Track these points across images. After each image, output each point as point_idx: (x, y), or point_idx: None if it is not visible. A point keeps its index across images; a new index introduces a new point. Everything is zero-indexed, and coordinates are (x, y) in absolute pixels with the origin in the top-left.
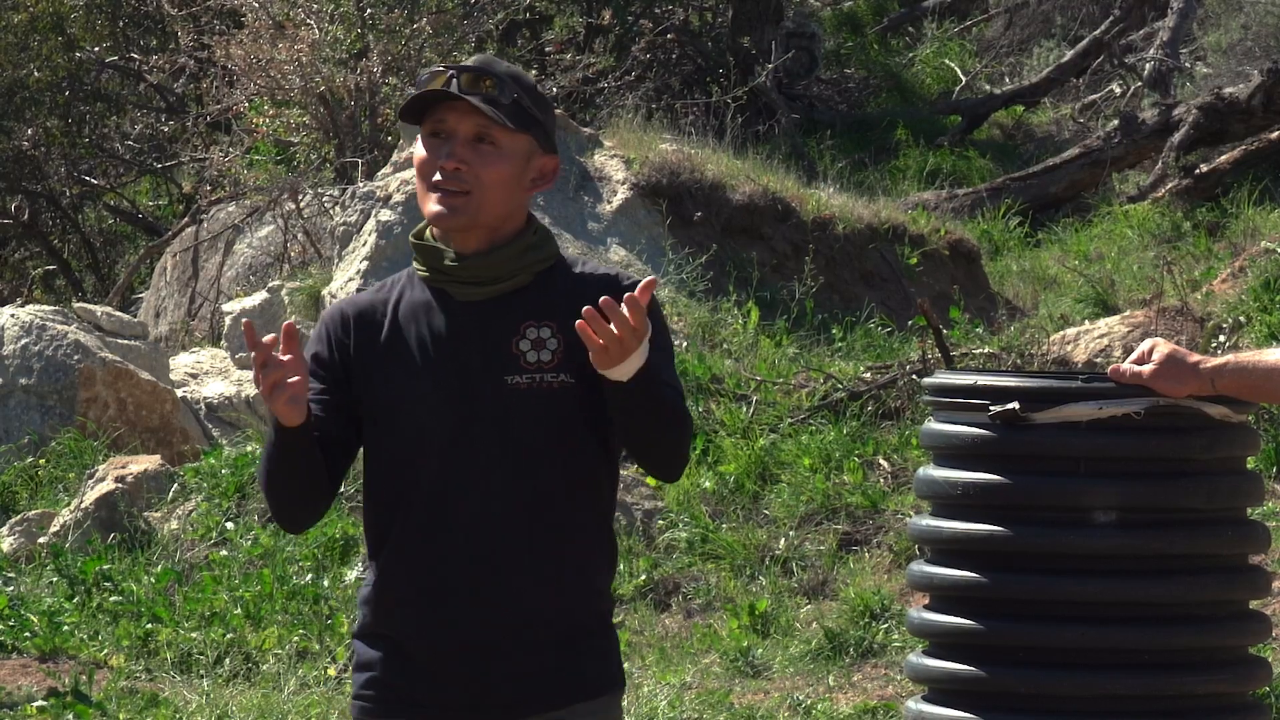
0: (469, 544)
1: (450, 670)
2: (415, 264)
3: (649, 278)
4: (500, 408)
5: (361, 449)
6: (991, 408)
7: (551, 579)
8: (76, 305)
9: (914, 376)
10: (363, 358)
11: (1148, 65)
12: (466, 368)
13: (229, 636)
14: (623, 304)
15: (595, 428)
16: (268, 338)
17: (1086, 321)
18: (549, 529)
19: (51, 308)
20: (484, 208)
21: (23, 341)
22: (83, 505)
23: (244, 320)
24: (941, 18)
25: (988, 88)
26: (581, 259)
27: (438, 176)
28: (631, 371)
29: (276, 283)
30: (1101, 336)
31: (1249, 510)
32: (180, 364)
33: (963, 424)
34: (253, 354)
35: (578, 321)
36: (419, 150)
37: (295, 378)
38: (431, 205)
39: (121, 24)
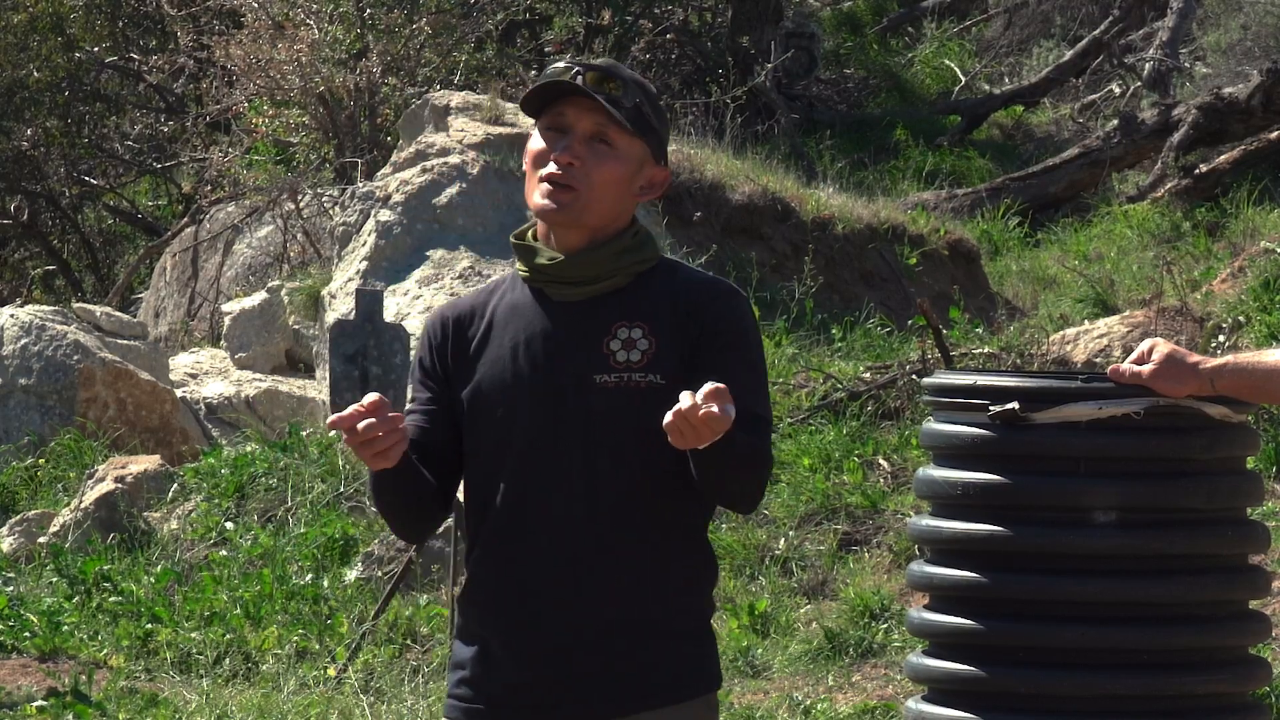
0: (551, 544)
1: (533, 671)
2: (517, 264)
3: (719, 386)
4: (587, 407)
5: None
6: (991, 408)
7: (633, 581)
8: (76, 305)
9: (914, 376)
10: (459, 360)
11: (1147, 65)
12: (557, 367)
13: (229, 636)
14: (708, 402)
15: None
16: (358, 407)
17: (1086, 321)
18: (632, 531)
19: (51, 308)
20: (590, 207)
21: (22, 341)
22: (82, 505)
23: (329, 420)
24: (941, 18)
25: (987, 88)
26: (682, 265)
27: (549, 169)
28: (706, 443)
29: (276, 283)
30: (1101, 336)
31: (1249, 510)
32: (180, 364)
33: (962, 424)
34: (346, 430)
35: (666, 418)
36: (534, 141)
37: (390, 441)
38: (538, 198)
39: (121, 24)
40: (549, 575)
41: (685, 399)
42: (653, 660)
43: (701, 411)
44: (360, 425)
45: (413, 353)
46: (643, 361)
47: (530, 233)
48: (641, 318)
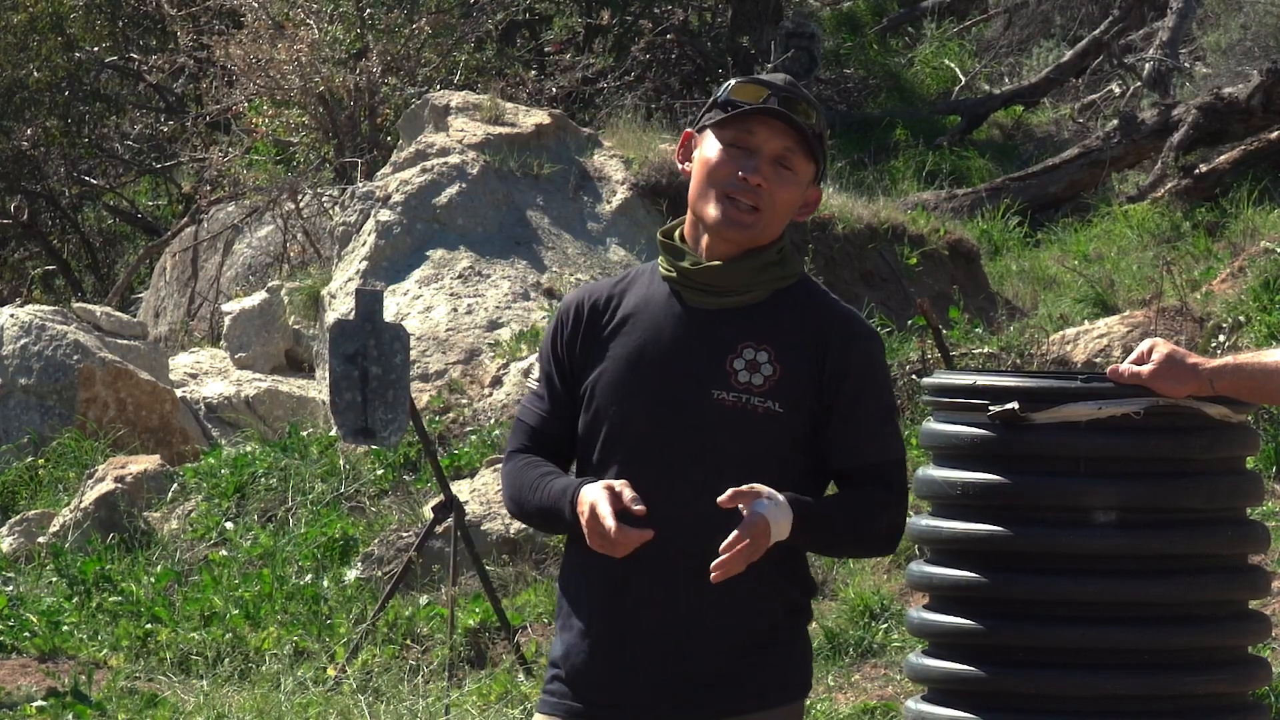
0: (652, 547)
1: (627, 672)
2: (660, 261)
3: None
4: (701, 420)
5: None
6: (991, 408)
7: (730, 594)
8: (76, 305)
9: (914, 376)
10: (585, 344)
11: (1147, 65)
12: (676, 373)
13: (228, 636)
14: (734, 545)
15: (796, 459)
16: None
17: (1086, 321)
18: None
19: (51, 308)
20: (768, 228)
21: (22, 341)
22: (82, 505)
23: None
24: (941, 18)
25: (987, 88)
26: (819, 289)
27: (734, 186)
28: (784, 535)
29: (276, 283)
30: (1101, 336)
31: (1249, 510)
32: (180, 364)
33: (962, 424)
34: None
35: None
36: (713, 152)
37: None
38: (718, 213)
39: (121, 24)
40: (647, 577)
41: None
42: (737, 670)
43: (731, 553)
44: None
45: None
46: (764, 387)
47: (678, 232)
48: (770, 341)
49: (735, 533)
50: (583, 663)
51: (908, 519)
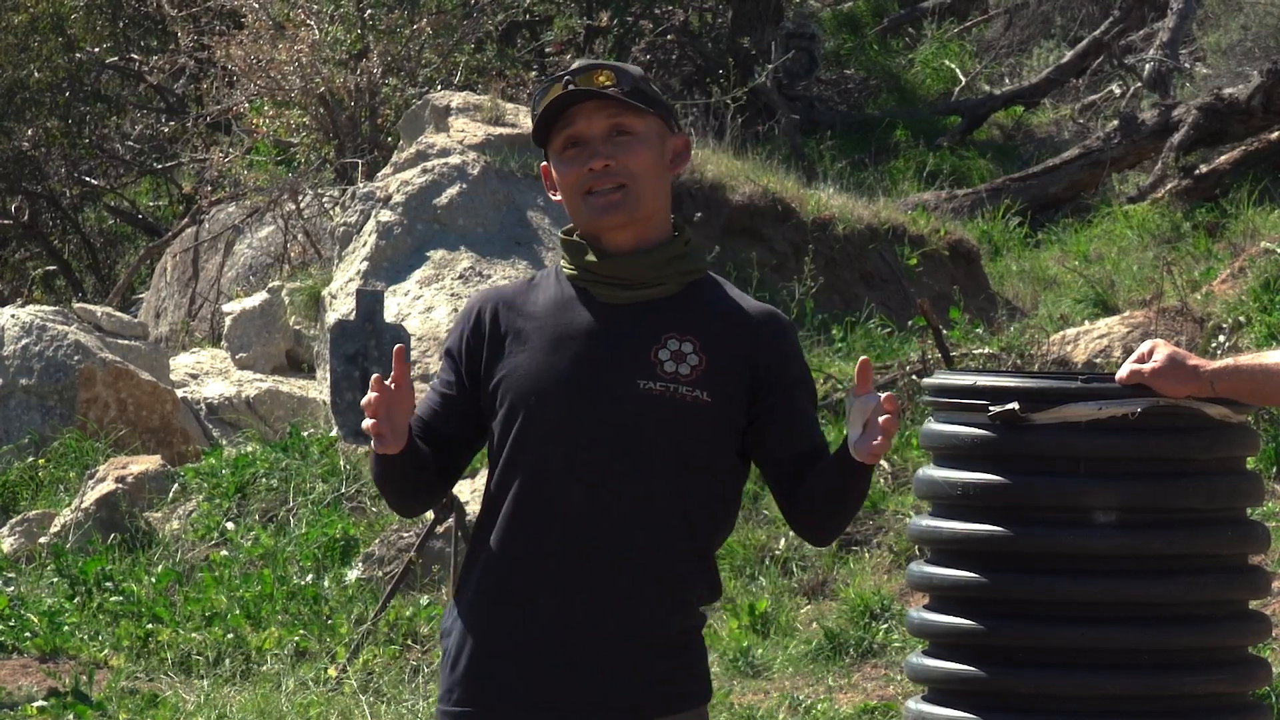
0: (565, 546)
1: (529, 672)
2: (562, 261)
3: (886, 396)
4: (626, 411)
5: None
6: (991, 408)
7: (641, 595)
8: (76, 306)
9: (914, 377)
10: (496, 346)
11: (1147, 66)
12: (599, 367)
13: (229, 637)
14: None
15: (723, 449)
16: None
17: (1086, 322)
18: (650, 544)
19: (52, 308)
20: (642, 197)
21: (23, 342)
22: (83, 505)
23: (398, 347)
24: (941, 18)
25: (987, 88)
26: (725, 282)
27: (588, 180)
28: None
29: (276, 283)
30: (1101, 337)
31: (1249, 510)
32: (180, 364)
33: (963, 424)
34: (373, 388)
35: (883, 418)
36: (560, 169)
37: (389, 436)
38: (591, 212)
39: (121, 24)
40: (563, 580)
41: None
42: (648, 675)
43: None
44: (367, 421)
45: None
46: (691, 376)
47: (578, 233)
48: (693, 332)
49: (887, 404)
50: (487, 666)
51: (908, 519)
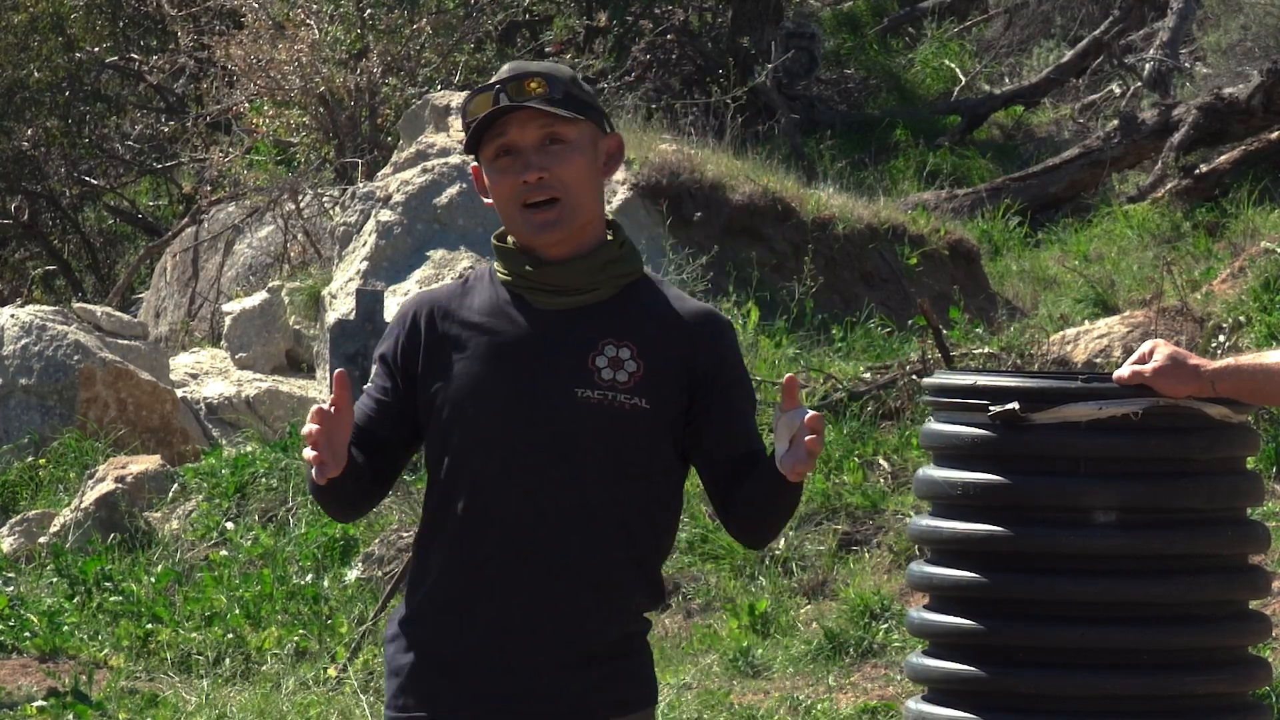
0: (506, 555)
1: (472, 679)
2: (497, 267)
3: (790, 377)
4: (565, 419)
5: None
6: (991, 408)
7: (584, 602)
8: (76, 305)
9: (914, 377)
10: (432, 352)
11: (1147, 65)
12: (536, 374)
13: (229, 636)
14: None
15: (661, 460)
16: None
17: (1086, 322)
18: (587, 548)
19: (51, 308)
20: (578, 208)
21: (23, 342)
22: (83, 505)
23: (337, 371)
24: (941, 18)
25: (987, 88)
26: (663, 281)
27: (523, 193)
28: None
29: (276, 283)
30: (1101, 337)
31: (1249, 510)
32: (180, 364)
33: (963, 424)
34: (313, 420)
35: (809, 437)
36: (492, 176)
37: (336, 440)
38: (529, 228)
39: (121, 24)
40: (501, 587)
41: (797, 425)
42: (585, 682)
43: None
44: (306, 450)
45: None
46: (629, 384)
47: (511, 237)
48: (630, 337)
49: (813, 423)
50: (431, 673)
51: (908, 519)
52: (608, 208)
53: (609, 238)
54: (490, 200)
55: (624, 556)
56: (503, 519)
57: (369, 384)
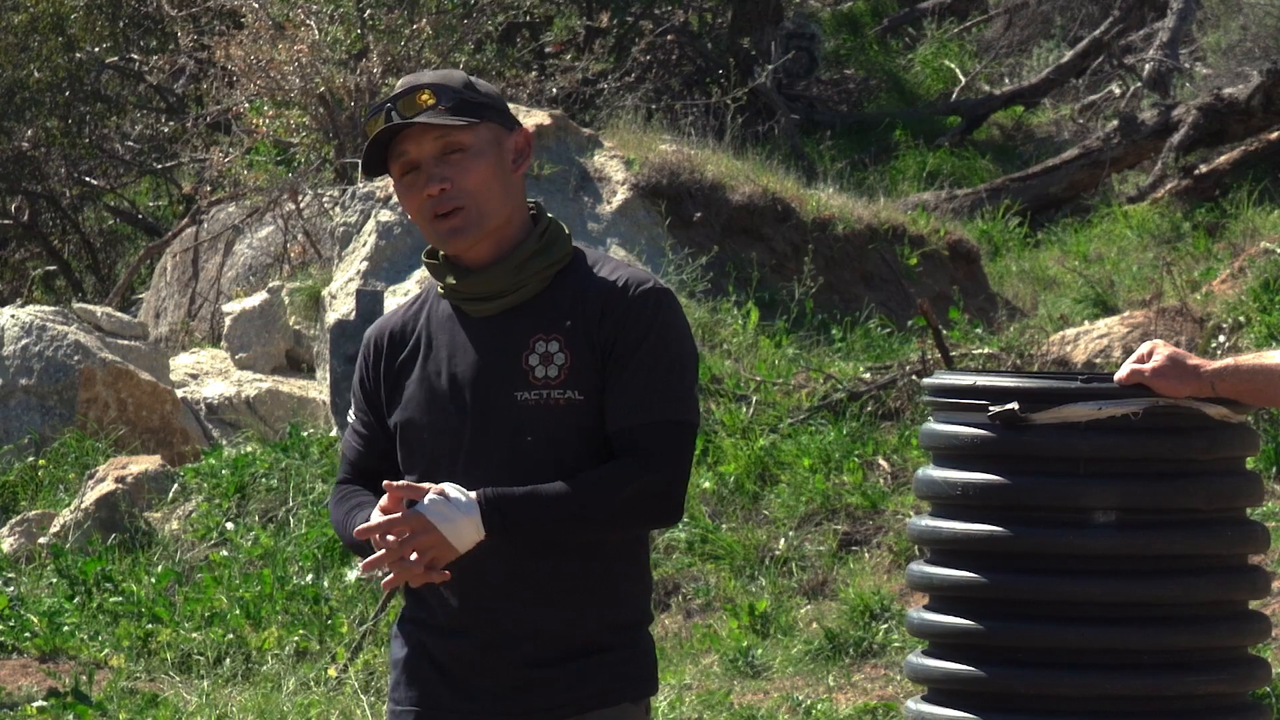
0: (478, 563)
1: (464, 681)
2: (434, 281)
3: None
4: (511, 424)
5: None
6: (991, 408)
7: (556, 594)
8: (76, 306)
9: (914, 377)
10: (390, 379)
11: (1147, 66)
12: (480, 384)
13: (229, 637)
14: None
15: (604, 446)
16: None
17: (1086, 322)
18: (555, 548)
19: (51, 308)
20: (486, 213)
21: (23, 342)
22: (83, 505)
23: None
24: (941, 18)
25: (987, 88)
26: (602, 258)
27: (428, 207)
28: (472, 542)
29: (276, 283)
30: (1101, 337)
31: (1249, 510)
32: (180, 364)
33: (962, 424)
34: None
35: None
36: (402, 197)
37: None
38: (440, 238)
39: (121, 24)
40: (478, 592)
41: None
42: (579, 672)
43: (379, 555)
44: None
45: None
46: (560, 378)
47: (441, 253)
48: (557, 329)
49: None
50: (424, 670)
51: (908, 519)
52: (607, 208)
53: (533, 228)
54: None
55: (588, 550)
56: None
57: (351, 417)
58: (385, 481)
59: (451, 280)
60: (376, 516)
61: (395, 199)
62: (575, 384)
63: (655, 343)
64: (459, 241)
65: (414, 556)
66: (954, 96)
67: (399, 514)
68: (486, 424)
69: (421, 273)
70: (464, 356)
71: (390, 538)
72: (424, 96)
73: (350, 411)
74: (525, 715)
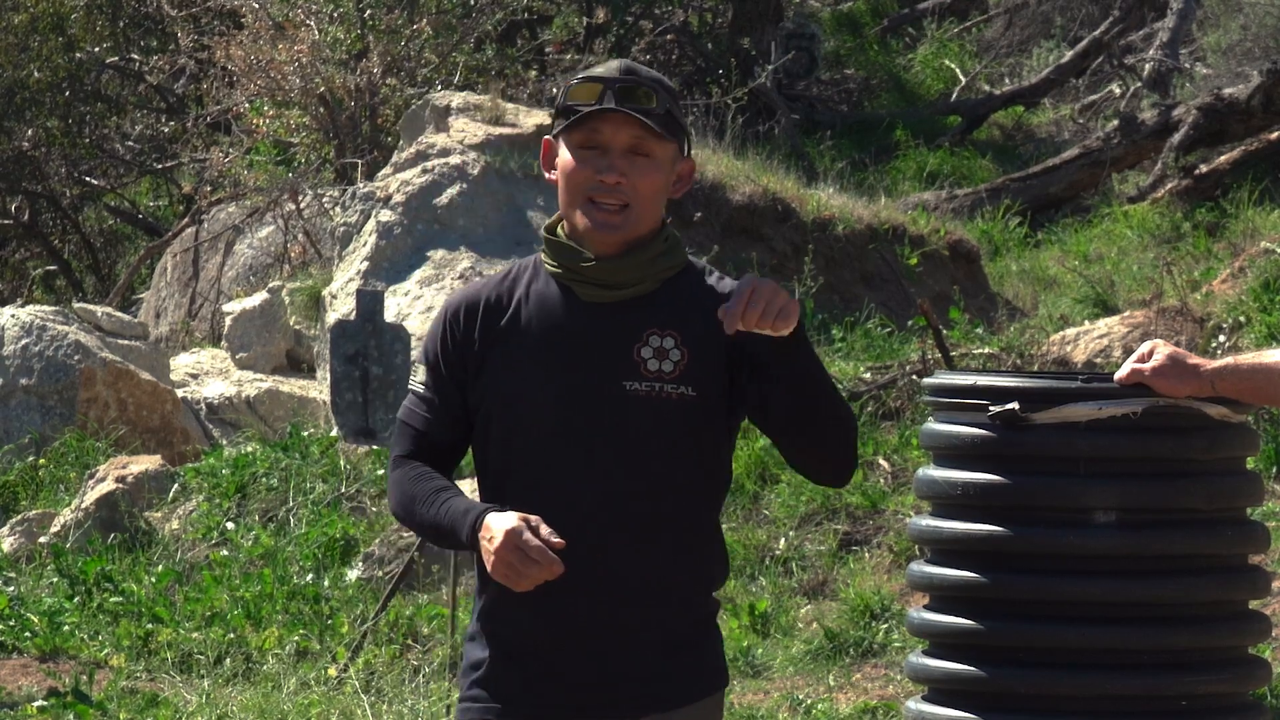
0: (570, 547)
1: (550, 671)
2: (545, 258)
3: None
4: (616, 413)
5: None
6: (991, 408)
7: (649, 587)
8: (77, 306)
9: (914, 377)
10: (481, 347)
11: (1147, 66)
12: (585, 368)
13: (229, 636)
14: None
15: (711, 443)
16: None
17: (1086, 322)
18: (650, 539)
19: (52, 308)
20: (641, 220)
21: (23, 342)
22: (83, 505)
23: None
24: (941, 18)
25: (987, 88)
26: (710, 267)
27: (595, 190)
28: (792, 324)
29: (276, 283)
30: (1101, 337)
31: (1249, 510)
32: (180, 364)
33: (963, 424)
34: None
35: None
36: (567, 158)
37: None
38: (586, 220)
39: (121, 25)
40: (574, 577)
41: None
42: (667, 665)
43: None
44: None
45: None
46: (675, 373)
47: (560, 227)
48: (674, 326)
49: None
50: (505, 664)
51: (908, 519)
52: None
53: (659, 232)
54: (553, 175)
55: (689, 536)
56: (567, 513)
57: (418, 385)
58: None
59: (582, 264)
60: (508, 523)
61: (395, 199)
62: (690, 380)
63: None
64: (607, 235)
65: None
66: (954, 96)
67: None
68: (590, 408)
69: (422, 272)
70: (573, 338)
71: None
72: (642, 93)
73: (417, 380)
74: (614, 713)
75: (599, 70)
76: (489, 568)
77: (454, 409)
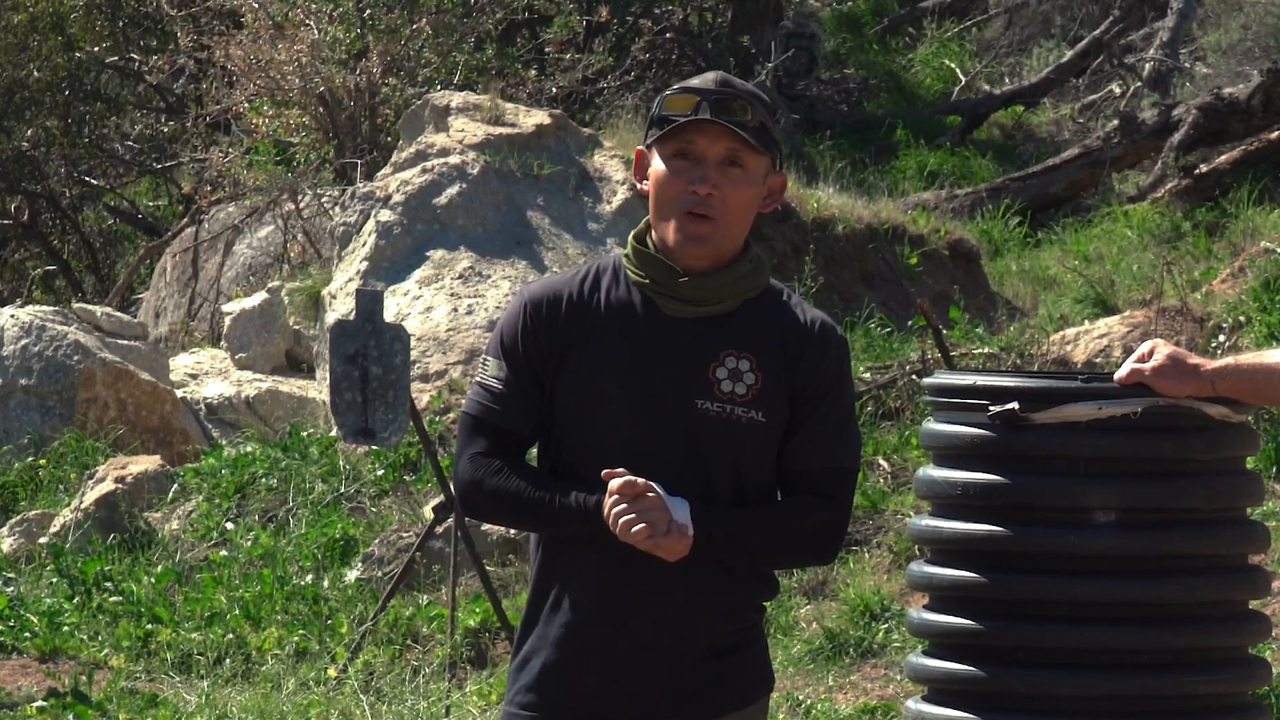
0: (633, 556)
1: (605, 681)
2: (629, 265)
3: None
4: (685, 429)
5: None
6: (991, 408)
7: (710, 600)
8: (76, 306)
9: (914, 376)
10: (561, 345)
11: (1147, 65)
12: (659, 382)
13: (229, 637)
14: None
15: (769, 466)
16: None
17: (1086, 321)
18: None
19: (51, 308)
20: (731, 233)
21: (23, 342)
22: (83, 505)
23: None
24: (941, 18)
25: (987, 88)
26: (789, 292)
27: (687, 200)
28: (682, 552)
29: (276, 283)
30: (1101, 337)
31: (1249, 510)
32: (180, 364)
33: (962, 424)
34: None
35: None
36: (660, 168)
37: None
38: (677, 234)
39: (121, 24)
40: (628, 586)
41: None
42: (720, 674)
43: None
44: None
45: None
46: (748, 396)
47: (650, 238)
48: (750, 349)
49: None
50: (557, 671)
51: (908, 519)
52: (607, 207)
53: (742, 252)
54: (646, 186)
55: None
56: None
57: (489, 377)
58: (606, 471)
59: (673, 280)
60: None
61: (395, 199)
62: (761, 406)
63: (841, 391)
64: (697, 248)
65: (639, 528)
66: (954, 96)
67: (650, 492)
68: (660, 421)
69: (422, 272)
70: (648, 349)
71: (624, 506)
72: (738, 105)
73: (488, 373)
74: (660, 717)
75: (695, 81)
76: (619, 526)
77: (533, 399)
